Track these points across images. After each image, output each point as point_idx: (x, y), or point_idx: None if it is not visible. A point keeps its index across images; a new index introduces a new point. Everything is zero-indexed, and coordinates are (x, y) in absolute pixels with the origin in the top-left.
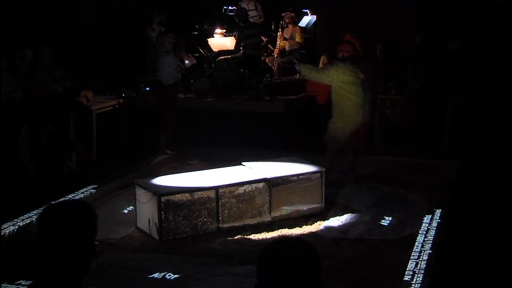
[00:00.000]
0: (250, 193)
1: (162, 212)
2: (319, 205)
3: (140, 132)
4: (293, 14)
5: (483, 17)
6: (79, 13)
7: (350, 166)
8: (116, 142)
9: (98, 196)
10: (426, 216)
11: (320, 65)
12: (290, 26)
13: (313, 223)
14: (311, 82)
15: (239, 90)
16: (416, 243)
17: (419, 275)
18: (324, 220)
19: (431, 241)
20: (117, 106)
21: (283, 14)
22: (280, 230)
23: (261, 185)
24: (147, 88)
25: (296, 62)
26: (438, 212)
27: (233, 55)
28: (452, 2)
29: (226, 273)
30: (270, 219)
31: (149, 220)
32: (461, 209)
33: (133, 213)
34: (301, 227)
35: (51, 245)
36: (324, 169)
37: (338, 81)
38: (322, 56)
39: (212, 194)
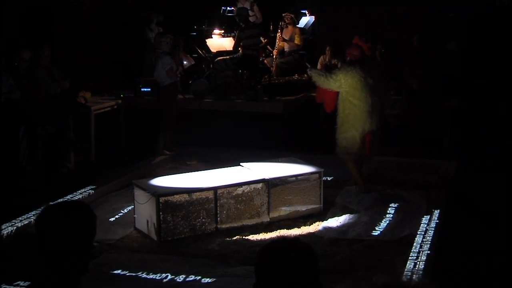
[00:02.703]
0: (249, 193)
1: (161, 213)
2: (317, 205)
3: (138, 132)
4: (293, 15)
5: (482, 17)
6: (77, 13)
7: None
8: (114, 142)
9: (97, 197)
10: (425, 216)
11: (319, 65)
12: (289, 27)
13: (312, 224)
14: (321, 89)
15: (238, 90)
16: (415, 244)
17: (417, 275)
18: (322, 221)
19: (429, 242)
20: (115, 106)
21: (283, 15)
22: (278, 230)
23: (259, 185)
24: (148, 89)
25: (308, 66)
26: (436, 212)
27: (231, 56)
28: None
29: (224, 274)
30: (268, 219)
31: (147, 221)
32: (459, 209)
33: (132, 213)
34: (300, 227)
35: (49, 246)
36: (322, 170)
37: (347, 85)
38: (321, 56)
39: (210, 194)
